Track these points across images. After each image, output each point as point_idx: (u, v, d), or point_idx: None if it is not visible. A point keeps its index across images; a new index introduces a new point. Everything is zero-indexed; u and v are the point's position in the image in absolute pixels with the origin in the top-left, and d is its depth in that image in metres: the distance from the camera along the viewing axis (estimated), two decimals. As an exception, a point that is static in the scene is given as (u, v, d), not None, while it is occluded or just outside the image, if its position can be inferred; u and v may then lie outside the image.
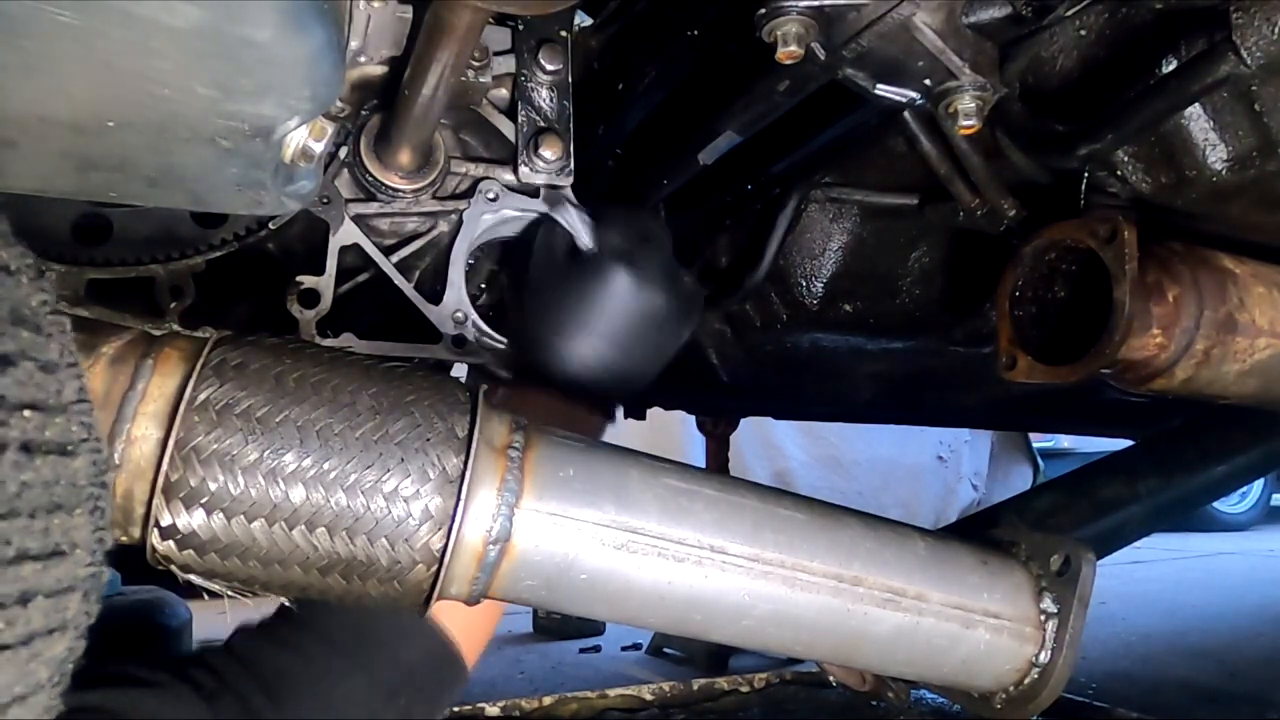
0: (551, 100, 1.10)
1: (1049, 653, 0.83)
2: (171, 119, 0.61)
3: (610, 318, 0.96)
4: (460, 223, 1.07)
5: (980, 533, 0.92)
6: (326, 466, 0.61)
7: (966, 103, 0.89)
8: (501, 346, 1.07)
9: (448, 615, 0.84)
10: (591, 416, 1.00)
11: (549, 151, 1.08)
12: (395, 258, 1.07)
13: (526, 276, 1.03)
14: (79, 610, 0.43)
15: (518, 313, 1.06)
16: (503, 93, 1.10)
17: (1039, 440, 6.48)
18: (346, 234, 1.04)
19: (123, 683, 0.72)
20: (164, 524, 0.59)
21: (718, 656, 3.01)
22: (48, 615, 0.41)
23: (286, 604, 0.84)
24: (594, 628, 3.54)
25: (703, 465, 2.70)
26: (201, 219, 1.05)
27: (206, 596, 0.64)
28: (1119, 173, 1.00)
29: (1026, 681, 0.84)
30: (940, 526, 1.58)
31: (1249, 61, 0.81)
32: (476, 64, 1.01)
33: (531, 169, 1.08)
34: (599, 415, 1.01)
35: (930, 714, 2.35)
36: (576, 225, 0.98)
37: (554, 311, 0.98)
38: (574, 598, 0.70)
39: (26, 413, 0.40)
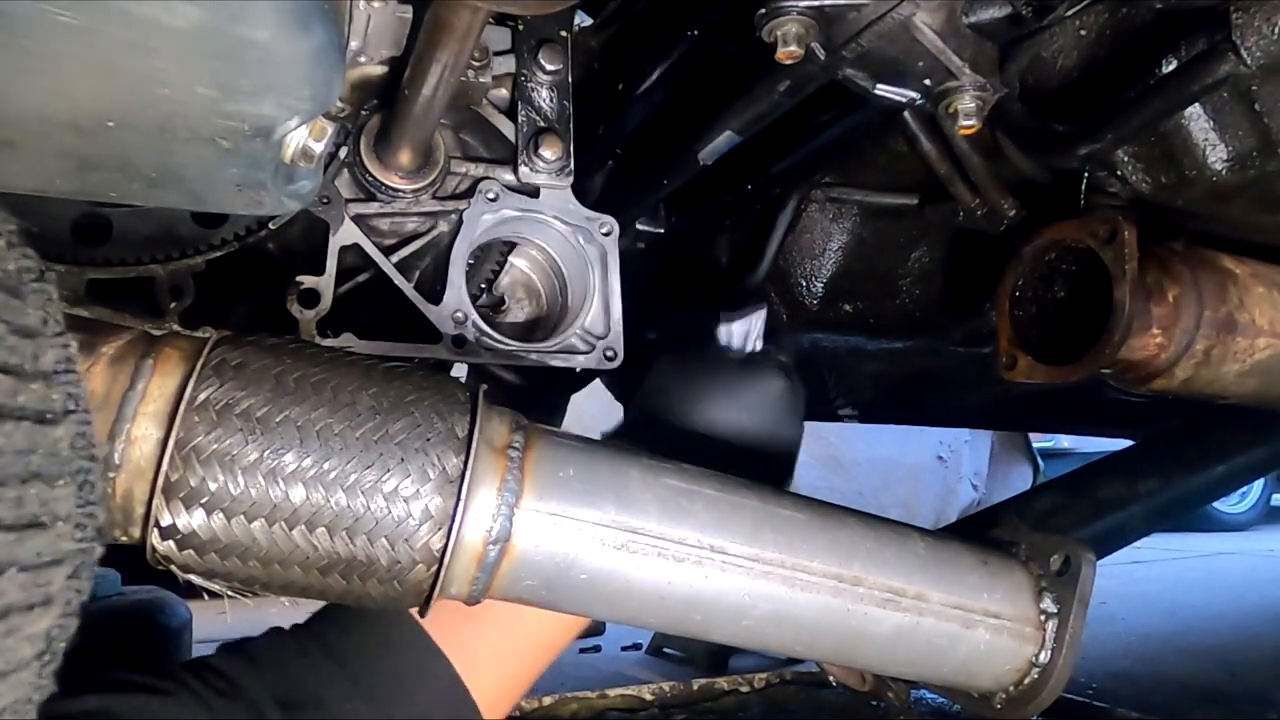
0: (551, 100, 1.10)
1: (1049, 653, 0.83)
2: (171, 119, 0.61)
3: (741, 409, 1.02)
4: (460, 223, 1.07)
5: (980, 533, 0.92)
6: (326, 466, 0.61)
7: (966, 103, 0.89)
8: (501, 347, 1.07)
9: (470, 679, 0.85)
10: None
11: (549, 151, 1.08)
12: (395, 258, 1.07)
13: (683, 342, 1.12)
14: (65, 586, 0.42)
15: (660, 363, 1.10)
16: (503, 93, 1.10)
17: (1039, 440, 6.47)
18: (346, 234, 1.04)
19: (126, 687, 0.72)
20: (164, 524, 0.59)
21: (718, 656, 3.00)
22: (26, 589, 0.39)
23: (314, 616, 0.84)
24: (594, 628, 3.53)
25: (703, 465, 2.70)
26: (201, 219, 1.05)
27: (206, 596, 0.64)
28: (1119, 173, 1.00)
29: (1026, 681, 0.84)
30: (940, 526, 1.58)
31: (1249, 61, 0.81)
32: (476, 64, 1.01)
33: (531, 169, 1.08)
34: None
35: (930, 714, 2.35)
36: (756, 328, 1.10)
37: (699, 380, 1.04)
38: (574, 598, 0.70)
39: None
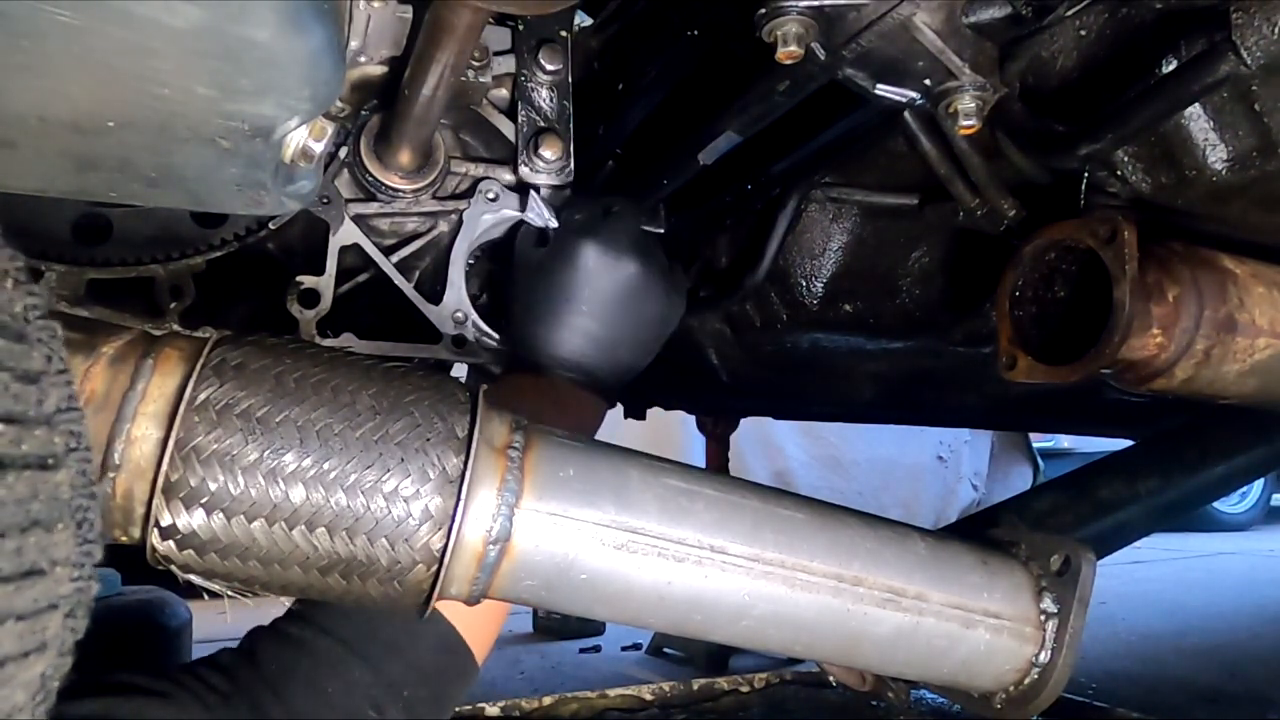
0: (551, 100, 1.10)
1: (1049, 653, 0.83)
2: (171, 119, 0.61)
3: (586, 292, 0.96)
4: (460, 223, 1.07)
5: (980, 533, 0.92)
6: (326, 466, 0.61)
7: (966, 103, 0.89)
8: (502, 347, 1.07)
9: (451, 615, 0.84)
10: (587, 398, 0.98)
11: (549, 151, 1.08)
12: (395, 258, 1.07)
13: (510, 277, 1.04)
14: (60, 629, 0.41)
15: (505, 312, 1.06)
16: (503, 93, 1.11)
17: (1039, 440, 6.48)
18: (346, 234, 1.05)
19: (124, 690, 0.71)
20: (164, 524, 0.59)
21: (718, 656, 3.01)
22: (22, 638, 0.39)
23: (293, 603, 0.84)
24: (594, 628, 3.54)
25: (703, 465, 2.71)
26: (201, 219, 1.05)
27: (206, 596, 0.64)
28: (1119, 173, 1.00)
29: (1026, 681, 0.84)
30: (940, 526, 1.58)
31: (1249, 61, 0.81)
32: (476, 64, 1.02)
33: (531, 169, 1.08)
34: (595, 397, 0.99)
35: (930, 714, 2.35)
36: (539, 208, 1.02)
37: (534, 300, 0.99)
38: (574, 598, 0.70)
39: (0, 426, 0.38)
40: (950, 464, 6.03)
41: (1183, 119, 0.93)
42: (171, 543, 0.60)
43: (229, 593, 0.63)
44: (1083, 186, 1.03)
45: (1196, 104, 0.92)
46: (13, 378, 0.39)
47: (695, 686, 2.55)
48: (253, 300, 1.19)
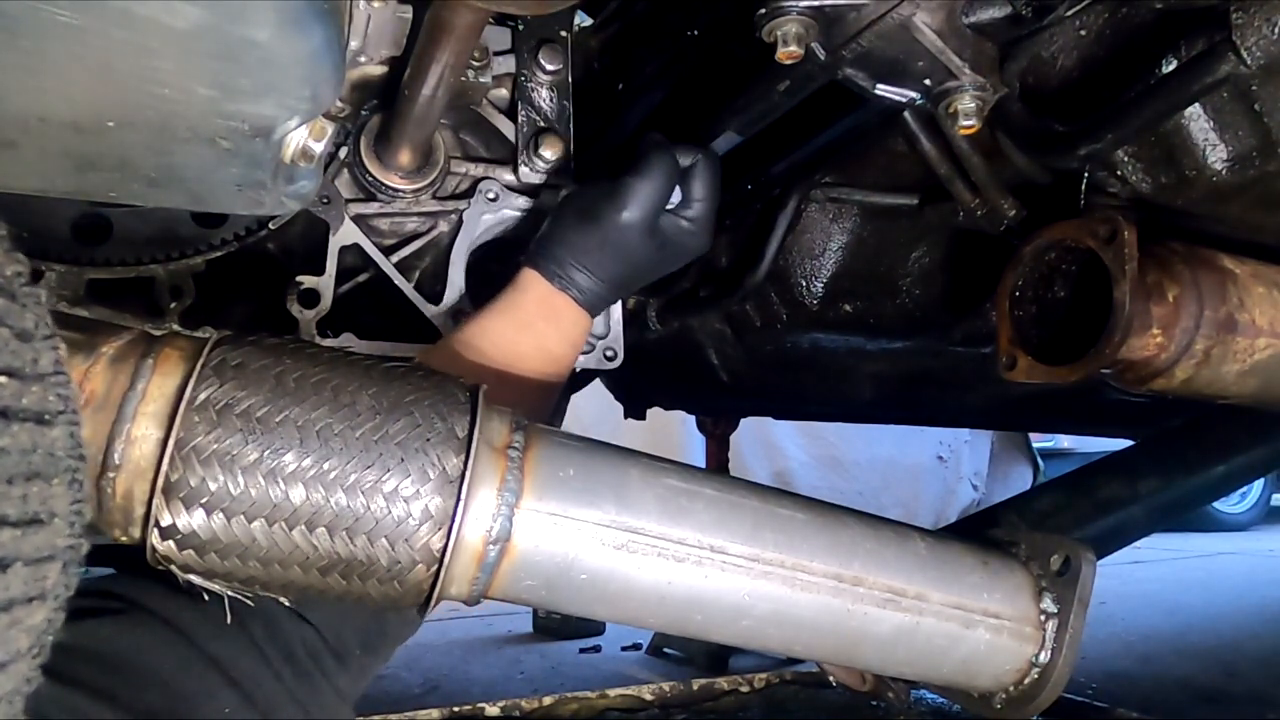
0: (551, 100, 1.11)
1: (1049, 653, 0.83)
2: (171, 119, 0.61)
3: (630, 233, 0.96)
4: (460, 223, 1.07)
5: (980, 533, 0.92)
6: (326, 466, 0.61)
7: (966, 103, 0.89)
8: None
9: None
10: (582, 315, 0.97)
11: (549, 151, 1.08)
12: (395, 258, 1.07)
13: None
14: (58, 580, 0.43)
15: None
16: (503, 93, 1.11)
17: (1039, 440, 6.47)
18: (346, 234, 1.05)
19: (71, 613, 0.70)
20: (164, 524, 0.59)
21: (718, 656, 3.00)
22: (27, 583, 0.41)
23: None
24: (594, 628, 3.54)
25: (703, 465, 2.71)
26: (201, 219, 1.05)
27: (206, 597, 0.64)
28: (1119, 173, 1.00)
29: (1026, 681, 0.84)
30: (940, 526, 1.57)
31: (1249, 61, 0.81)
32: (476, 64, 1.02)
33: (531, 169, 1.09)
34: (587, 315, 0.98)
35: (930, 714, 2.35)
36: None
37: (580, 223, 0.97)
38: (574, 598, 0.70)
39: (2, 379, 0.40)
40: (950, 464, 6.02)
41: (1183, 119, 0.93)
42: (171, 543, 0.60)
43: (229, 593, 0.63)
44: (1083, 186, 1.03)
45: (1196, 104, 0.92)
46: (12, 334, 0.41)
47: (695, 686, 2.55)
48: (253, 300, 1.19)
